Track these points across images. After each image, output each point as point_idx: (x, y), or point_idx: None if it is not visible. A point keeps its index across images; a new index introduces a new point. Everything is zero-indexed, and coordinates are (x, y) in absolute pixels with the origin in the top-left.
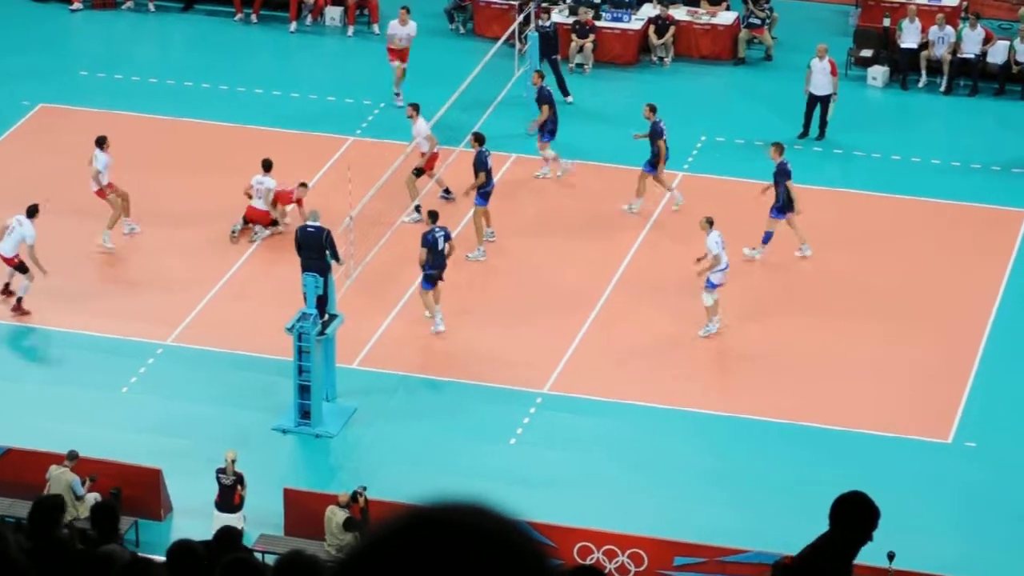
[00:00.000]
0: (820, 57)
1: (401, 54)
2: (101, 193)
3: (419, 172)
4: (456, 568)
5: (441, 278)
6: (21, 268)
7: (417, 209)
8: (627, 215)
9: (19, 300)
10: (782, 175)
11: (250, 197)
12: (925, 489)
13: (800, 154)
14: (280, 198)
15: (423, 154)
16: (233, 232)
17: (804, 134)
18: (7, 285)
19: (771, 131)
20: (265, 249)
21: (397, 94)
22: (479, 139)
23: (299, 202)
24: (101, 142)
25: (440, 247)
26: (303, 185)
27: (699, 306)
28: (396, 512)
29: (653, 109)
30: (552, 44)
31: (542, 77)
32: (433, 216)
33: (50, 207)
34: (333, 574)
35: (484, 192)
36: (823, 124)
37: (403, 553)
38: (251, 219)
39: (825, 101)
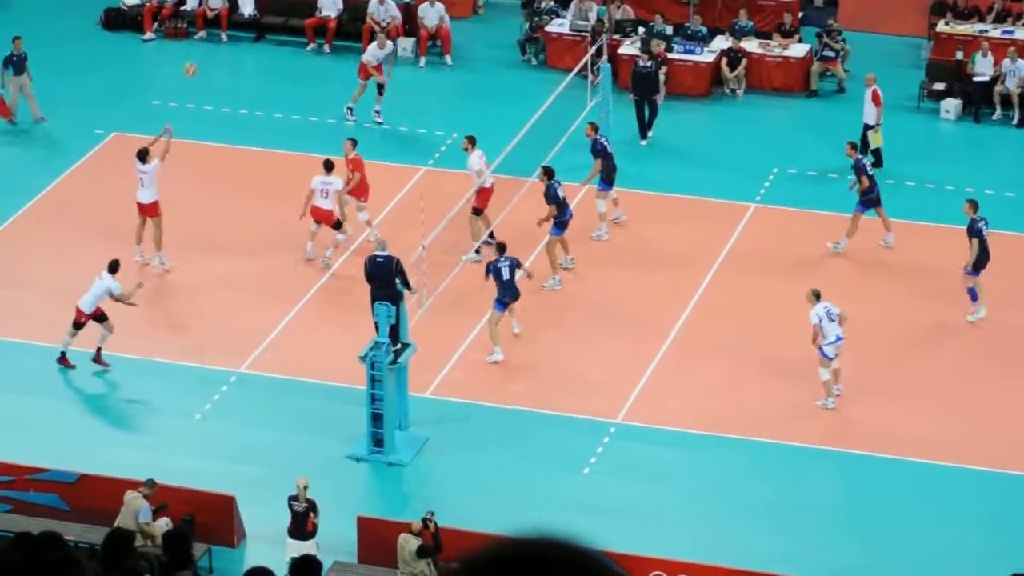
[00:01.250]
0: (867, 86)
1: (374, 69)
2: (156, 208)
3: (478, 211)
4: None
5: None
6: (100, 318)
7: (477, 251)
8: (701, 242)
9: (98, 350)
10: (974, 232)
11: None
12: (1003, 522)
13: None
14: (357, 167)
15: (480, 189)
16: (312, 255)
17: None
18: (99, 350)
19: (843, 163)
20: (338, 278)
21: (350, 108)
22: (548, 173)
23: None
24: (144, 155)
25: (506, 277)
26: (351, 141)
27: (774, 335)
28: (480, 545)
29: (595, 128)
30: (652, 84)
31: (595, 129)
32: (500, 248)
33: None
34: None
35: (560, 222)
36: (874, 152)
37: None
38: (317, 219)
39: (866, 129)
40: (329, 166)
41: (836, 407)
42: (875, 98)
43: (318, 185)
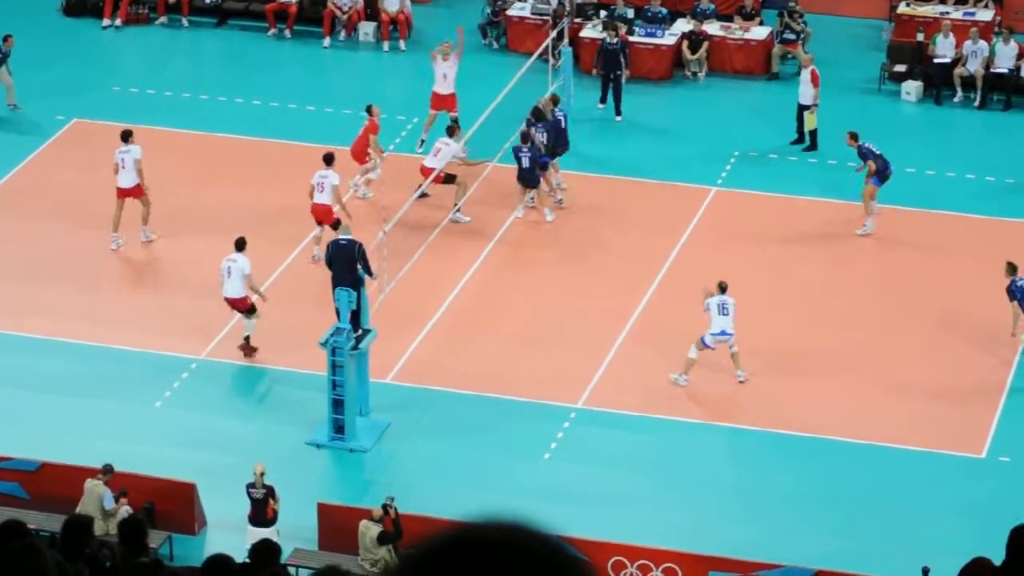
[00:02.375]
0: (804, 66)
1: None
2: (140, 190)
3: (451, 178)
4: None
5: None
6: (250, 311)
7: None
8: (661, 227)
9: (246, 339)
10: (1015, 293)
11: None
12: (958, 504)
13: (834, 169)
14: (372, 131)
15: (460, 161)
16: (314, 257)
17: (798, 140)
18: (247, 339)
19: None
20: (298, 264)
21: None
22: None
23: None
24: (127, 136)
25: (525, 165)
26: (369, 110)
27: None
28: (436, 530)
29: (555, 101)
30: (616, 60)
31: (556, 102)
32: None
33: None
34: None
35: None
36: (810, 134)
37: (443, 571)
38: (317, 216)
39: (802, 111)
40: (328, 159)
41: (688, 384)
42: (814, 79)
43: (316, 179)
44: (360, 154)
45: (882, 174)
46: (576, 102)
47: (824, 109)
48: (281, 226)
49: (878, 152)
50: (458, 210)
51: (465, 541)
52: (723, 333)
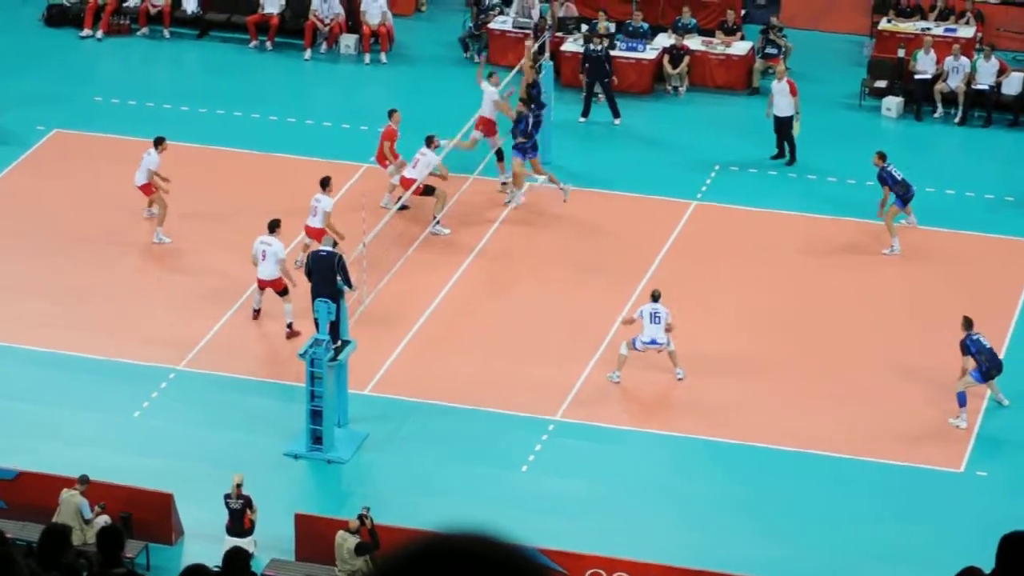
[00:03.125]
0: (779, 79)
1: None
2: (149, 189)
3: (430, 190)
4: None
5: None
6: (283, 292)
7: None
8: (640, 241)
9: (289, 325)
10: (968, 347)
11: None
12: (936, 518)
13: (814, 183)
14: (386, 137)
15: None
16: (297, 263)
17: (779, 155)
18: (257, 311)
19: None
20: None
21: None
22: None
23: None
24: (159, 143)
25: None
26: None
27: (708, 331)
28: (406, 541)
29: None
30: (602, 67)
31: (525, 104)
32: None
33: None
34: None
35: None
36: (791, 148)
37: None
38: (309, 235)
39: (788, 122)
40: (324, 183)
41: (619, 381)
42: (792, 89)
43: (312, 202)
44: (383, 159)
45: (903, 197)
46: (556, 115)
47: (805, 124)
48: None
49: (900, 178)
50: (437, 222)
51: (435, 552)
52: (653, 342)
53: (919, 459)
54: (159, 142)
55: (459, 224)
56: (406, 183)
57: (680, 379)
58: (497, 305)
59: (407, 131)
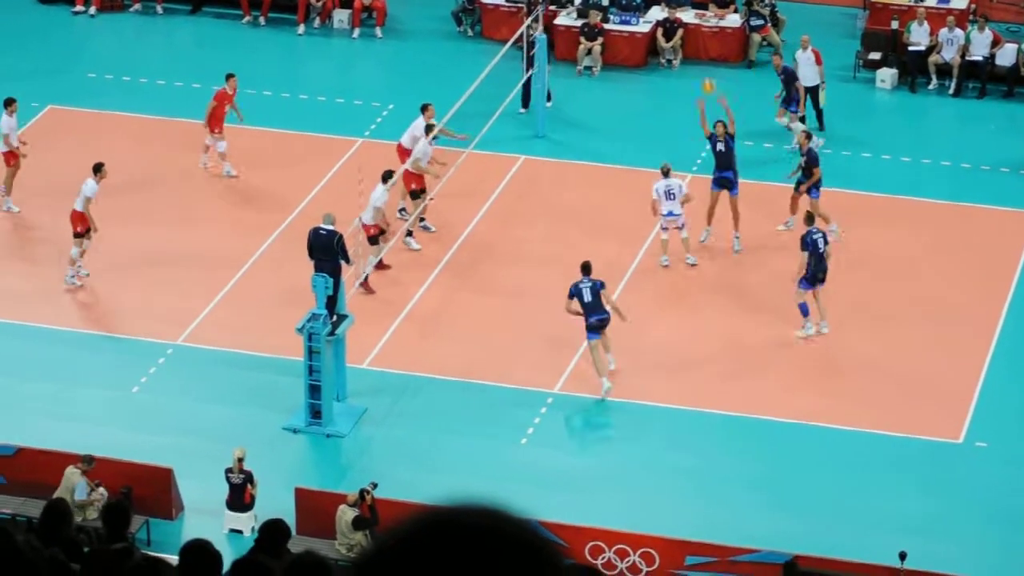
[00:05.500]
0: (804, 48)
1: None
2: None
3: (416, 194)
4: (470, 570)
5: (603, 327)
6: (373, 240)
7: (410, 234)
8: (636, 213)
9: (366, 278)
10: (805, 246)
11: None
12: (936, 489)
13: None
14: (219, 100)
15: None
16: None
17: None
18: (366, 279)
19: (780, 132)
20: (276, 249)
21: None
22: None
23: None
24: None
25: (587, 299)
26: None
27: (712, 305)
28: (408, 514)
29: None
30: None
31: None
32: (585, 268)
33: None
34: None
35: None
36: (819, 114)
37: (416, 555)
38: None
39: (815, 92)
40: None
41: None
42: (817, 58)
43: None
44: (213, 121)
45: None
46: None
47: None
48: (254, 212)
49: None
50: (410, 234)
51: (437, 525)
52: (670, 214)
53: (918, 430)
54: (8, 103)
55: (458, 198)
56: (402, 151)
57: (692, 265)
58: (496, 278)
59: (401, 105)
